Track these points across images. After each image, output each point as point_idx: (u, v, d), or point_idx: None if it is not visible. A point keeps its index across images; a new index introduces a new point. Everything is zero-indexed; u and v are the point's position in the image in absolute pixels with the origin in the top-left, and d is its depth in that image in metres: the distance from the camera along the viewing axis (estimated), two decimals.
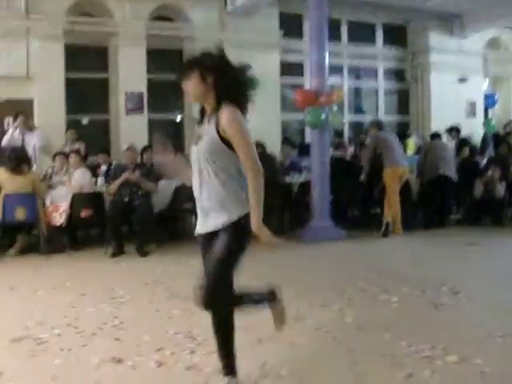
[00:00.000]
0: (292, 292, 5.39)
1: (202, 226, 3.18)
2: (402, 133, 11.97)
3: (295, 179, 9.16)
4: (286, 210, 9.11)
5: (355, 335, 4.25)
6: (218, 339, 3.28)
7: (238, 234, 3.08)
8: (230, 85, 3.10)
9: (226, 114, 2.99)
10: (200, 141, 3.11)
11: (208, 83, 3.09)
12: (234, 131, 2.98)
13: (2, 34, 9.90)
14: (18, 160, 7.65)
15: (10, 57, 10.02)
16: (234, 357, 3.28)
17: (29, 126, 9.51)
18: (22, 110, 9.68)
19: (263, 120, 11.71)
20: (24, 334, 4.38)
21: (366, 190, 8.91)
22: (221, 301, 3.17)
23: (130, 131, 10.66)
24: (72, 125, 10.62)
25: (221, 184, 3.07)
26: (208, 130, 3.08)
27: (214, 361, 3.68)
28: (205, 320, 4.46)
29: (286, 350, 3.95)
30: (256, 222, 3.03)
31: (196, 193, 3.18)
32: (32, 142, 9.41)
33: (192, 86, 3.12)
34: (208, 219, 3.14)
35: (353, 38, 13.67)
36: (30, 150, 9.07)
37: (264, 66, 11.60)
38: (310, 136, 9.12)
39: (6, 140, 9.27)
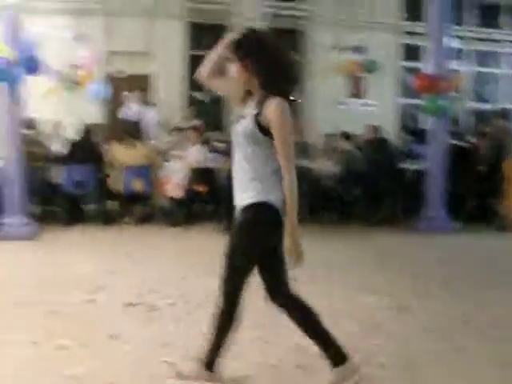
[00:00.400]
0: (396, 281, 5.32)
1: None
2: None
3: (410, 166, 8.92)
4: (399, 197, 8.89)
5: (461, 327, 4.14)
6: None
7: (248, 221, 2.92)
8: (271, 71, 2.86)
9: (273, 106, 2.77)
10: (241, 121, 2.92)
11: (248, 69, 2.87)
12: (278, 126, 2.77)
13: (126, 13, 10.28)
14: (133, 134, 7.99)
15: (134, 34, 10.40)
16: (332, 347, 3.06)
17: (147, 101, 9.85)
18: (141, 85, 10.06)
19: (380, 103, 11.56)
20: (138, 300, 4.58)
21: (484, 182, 8.52)
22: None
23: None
24: (193, 101, 10.89)
25: (249, 169, 2.88)
26: (248, 114, 2.87)
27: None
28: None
29: (389, 339, 3.88)
30: (289, 228, 2.82)
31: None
32: (149, 117, 9.75)
33: (236, 72, 2.93)
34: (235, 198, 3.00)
35: (476, 20, 13.04)
36: (147, 125, 9.42)
37: (383, 48, 11.41)
38: (426, 122, 8.85)
39: (124, 114, 9.65)
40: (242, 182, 2.92)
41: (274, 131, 2.79)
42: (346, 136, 8.70)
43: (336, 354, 3.04)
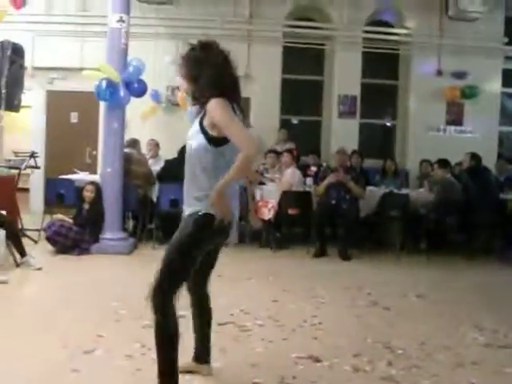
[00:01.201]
0: (500, 317, 5.09)
1: None
2: None
3: (510, 196, 8.57)
4: (498, 228, 8.54)
5: None
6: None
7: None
8: (209, 81, 2.98)
9: (210, 103, 2.88)
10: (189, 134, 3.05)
11: (192, 80, 3.06)
12: (218, 116, 2.86)
13: (225, 37, 10.52)
14: None
15: (233, 58, 10.59)
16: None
17: (245, 124, 9.99)
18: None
19: (479, 130, 11.22)
20: (229, 319, 4.63)
21: None
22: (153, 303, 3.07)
23: (341, 134, 10.77)
24: (284, 124, 10.99)
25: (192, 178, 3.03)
26: (195, 123, 3.03)
27: (413, 376, 3.61)
28: (406, 332, 4.42)
29: (490, 377, 3.70)
30: (218, 186, 2.83)
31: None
32: None
33: (182, 84, 3.15)
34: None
35: None
36: None
37: (484, 73, 11.09)
38: None
39: None
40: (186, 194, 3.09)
41: (218, 121, 2.86)
42: (443, 163, 8.47)
43: None
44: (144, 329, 4.23)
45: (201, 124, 2.96)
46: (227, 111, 2.89)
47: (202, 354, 3.45)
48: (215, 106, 2.87)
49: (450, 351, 4.11)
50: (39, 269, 6.17)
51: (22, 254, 6.21)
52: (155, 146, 9.43)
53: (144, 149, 9.28)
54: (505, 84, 11.66)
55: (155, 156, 9.28)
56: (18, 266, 6.17)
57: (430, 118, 11.17)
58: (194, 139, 2.99)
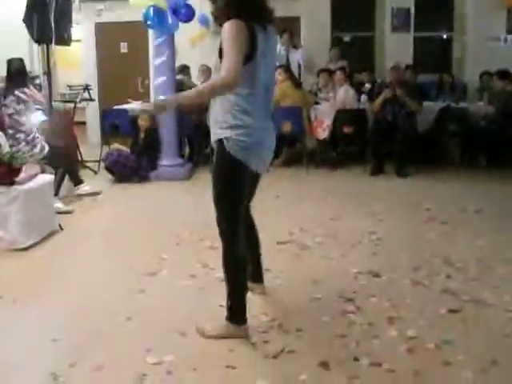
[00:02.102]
0: None
1: None
2: None
3: None
4: None
5: None
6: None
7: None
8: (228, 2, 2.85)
9: (223, 26, 2.77)
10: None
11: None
12: (223, 41, 2.74)
13: None
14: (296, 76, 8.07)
15: None
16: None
17: (293, 44, 9.80)
18: (287, 27, 10.00)
19: None
20: (289, 238, 4.72)
21: None
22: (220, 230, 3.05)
23: (395, 49, 10.44)
24: (336, 42, 10.72)
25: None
26: None
27: (471, 288, 3.61)
28: (465, 246, 4.39)
29: None
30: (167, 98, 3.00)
31: None
32: (296, 59, 9.71)
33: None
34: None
35: None
36: (294, 67, 9.40)
37: None
38: None
39: None
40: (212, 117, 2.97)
41: (222, 44, 2.74)
42: (503, 74, 8.15)
43: (237, 312, 3.01)
44: (206, 250, 4.37)
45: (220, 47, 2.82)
46: (233, 37, 2.72)
47: (256, 274, 3.49)
48: (224, 30, 2.76)
49: (510, 264, 4.08)
50: (97, 193, 6.37)
51: (78, 182, 6.33)
52: (207, 70, 9.37)
53: (195, 74, 9.26)
54: None
55: (207, 81, 9.24)
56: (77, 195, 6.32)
57: (489, 27, 10.65)
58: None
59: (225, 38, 2.73)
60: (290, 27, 9.94)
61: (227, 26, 2.75)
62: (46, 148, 5.82)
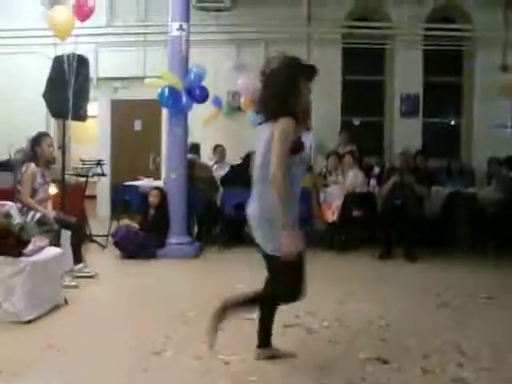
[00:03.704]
0: None
1: None
2: None
3: None
4: None
5: None
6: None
7: None
8: (273, 97, 3.38)
9: (279, 122, 3.29)
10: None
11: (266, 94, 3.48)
12: (275, 137, 3.27)
13: (285, 41, 10.57)
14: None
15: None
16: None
17: (307, 126, 9.98)
18: None
19: None
20: (295, 321, 4.63)
21: None
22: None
23: (404, 134, 10.60)
24: (346, 126, 10.91)
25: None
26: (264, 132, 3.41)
27: (483, 378, 3.52)
28: (476, 334, 4.31)
29: None
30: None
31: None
32: (308, 142, 9.86)
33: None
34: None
35: None
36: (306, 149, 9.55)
37: None
38: None
39: None
40: None
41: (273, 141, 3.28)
42: (511, 161, 8.25)
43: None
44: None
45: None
46: (286, 134, 3.30)
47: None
48: (278, 127, 3.31)
49: None
50: (93, 276, 6.12)
51: (78, 260, 6.10)
52: (222, 151, 9.53)
53: (206, 154, 9.41)
54: None
55: (221, 161, 9.37)
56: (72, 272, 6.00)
57: (496, 114, 10.86)
58: None
59: (276, 134, 3.28)
60: None
61: (283, 124, 3.29)
62: (37, 216, 5.80)
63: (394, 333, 4.42)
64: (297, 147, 3.35)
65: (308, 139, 9.82)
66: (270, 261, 3.56)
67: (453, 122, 11.52)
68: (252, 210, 3.52)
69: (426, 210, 7.66)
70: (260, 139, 3.44)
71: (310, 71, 3.54)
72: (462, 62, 11.40)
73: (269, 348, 3.78)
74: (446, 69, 11.36)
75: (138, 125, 11.37)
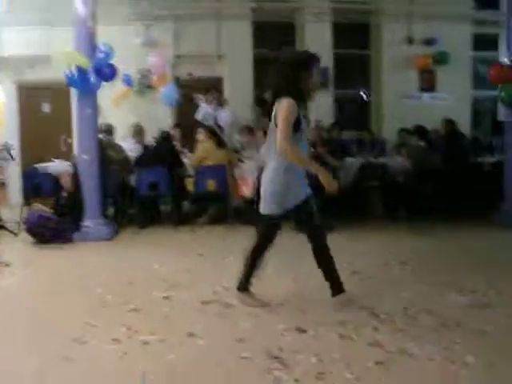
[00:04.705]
0: (480, 277, 5.17)
1: None
2: None
3: (487, 159, 8.68)
4: (476, 191, 8.65)
5: None
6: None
7: None
8: (282, 82, 4.13)
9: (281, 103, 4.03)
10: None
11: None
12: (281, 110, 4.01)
13: (194, 17, 10.47)
14: (220, 135, 8.16)
15: (202, 37, 10.57)
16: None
17: (221, 102, 9.97)
18: (211, 87, 10.20)
19: (452, 96, 11.29)
20: (213, 297, 4.66)
21: None
22: None
23: (317, 107, 10.74)
24: (258, 101, 10.94)
25: None
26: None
27: (398, 339, 3.66)
28: (389, 299, 4.46)
29: (472, 336, 3.77)
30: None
31: None
32: (223, 118, 9.87)
33: None
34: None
35: None
36: (221, 125, 9.57)
37: (454, 39, 11.13)
38: (503, 114, 8.58)
39: (200, 115, 9.81)
40: None
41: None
42: (420, 131, 8.53)
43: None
44: (130, 313, 4.27)
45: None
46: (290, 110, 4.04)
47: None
48: (281, 106, 4.09)
49: (433, 314, 4.17)
50: (7, 265, 5.98)
51: None
52: (140, 130, 9.34)
53: (119, 134, 9.23)
54: (475, 48, 11.73)
55: (141, 140, 9.17)
56: None
57: (404, 86, 11.22)
58: None
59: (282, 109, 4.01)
60: (212, 86, 10.15)
61: (285, 103, 4.00)
62: None
63: (312, 302, 4.51)
64: (298, 125, 4.02)
65: (224, 115, 9.87)
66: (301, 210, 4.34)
67: (364, 97, 11.76)
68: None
69: (340, 182, 7.81)
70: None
71: (312, 60, 4.18)
72: (369, 35, 11.66)
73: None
74: (354, 42, 11.59)
75: (46, 106, 11.01)
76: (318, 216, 4.40)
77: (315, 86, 4.21)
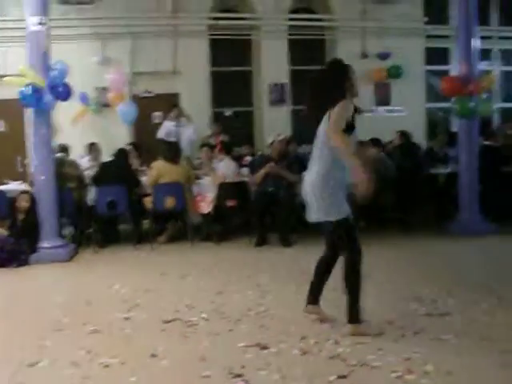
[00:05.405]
0: (438, 286, 5.26)
1: None
2: None
3: (441, 170, 8.85)
4: (431, 202, 8.82)
5: (507, 335, 4.03)
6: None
7: None
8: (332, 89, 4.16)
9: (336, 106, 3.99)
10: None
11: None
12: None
13: (151, 34, 10.47)
14: (177, 152, 8.10)
15: (159, 54, 10.56)
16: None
17: (185, 119, 9.96)
18: (172, 103, 10.19)
19: (407, 109, 11.51)
20: (175, 316, 4.61)
21: None
22: None
23: (274, 122, 10.84)
24: (217, 117, 10.98)
25: None
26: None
27: (359, 352, 3.69)
28: None
29: (431, 345, 3.83)
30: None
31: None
32: (186, 135, 9.87)
33: None
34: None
35: (503, 19, 12.85)
36: (183, 142, 9.56)
37: (407, 53, 11.37)
38: (457, 125, 8.78)
39: (162, 132, 9.78)
40: None
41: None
42: (376, 143, 8.65)
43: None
44: (89, 335, 4.20)
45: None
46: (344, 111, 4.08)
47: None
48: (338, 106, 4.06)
49: (392, 324, 4.23)
50: None
51: None
52: (97, 149, 9.26)
53: (76, 154, 9.13)
54: (428, 62, 12.00)
55: (97, 159, 9.07)
56: None
57: (359, 99, 11.32)
58: None
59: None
60: (170, 103, 10.15)
61: (342, 104, 3.98)
62: None
63: (272, 318, 4.52)
64: (350, 127, 3.98)
65: (187, 132, 9.86)
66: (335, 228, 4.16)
67: None
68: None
69: (299, 196, 7.85)
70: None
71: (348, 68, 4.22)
72: (324, 50, 11.82)
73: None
74: (310, 58, 11.72)
75: (0, 125, 10.81)
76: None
77: (357, 92, 4.26)
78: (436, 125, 12.29)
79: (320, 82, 4.28)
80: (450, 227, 7.96)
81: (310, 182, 4.11)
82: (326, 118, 4.09)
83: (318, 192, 4.02)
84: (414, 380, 3.27)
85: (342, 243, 4.17)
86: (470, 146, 8.00)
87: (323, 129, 4.08)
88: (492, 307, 4.65)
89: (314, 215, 4.15)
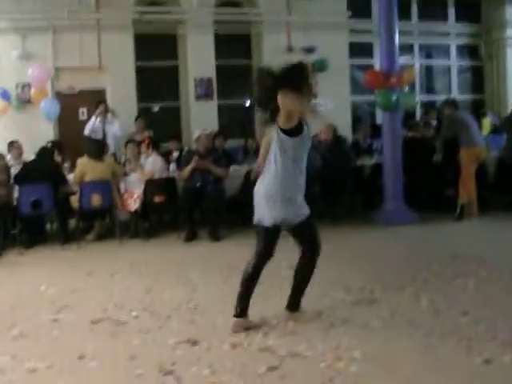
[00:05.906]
0: (365, 275, 5.40)
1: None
2: (477, 112, 11.64)
3: (367, 161, 9.06)
4: (358, 193, 9.03)
5: (431, 319, 4.19)
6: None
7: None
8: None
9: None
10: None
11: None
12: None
13: (74, 28, 10.23)
14: (100, 148, 7.95)
15: (82, 49, 10.34)
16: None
17: (109, 116, 9.78)
18: (96, 99, 9.99)
19: (332, 102, 11.67)
20: (103, 316, 4.56)
21: (439, 171, 8.65)
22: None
23: (200, 117, 10.80)
24: (143, 113, 10.84)
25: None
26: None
27: (289, 343, 3.74)
28: (278, 304, 4.54)
29: (359, 332, 3.94)
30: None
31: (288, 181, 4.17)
32: (112, 131, 9.70)
33: None
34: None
35: (423, 15, 13.27)
36: (109, 139, 9.40)
37: (332, 47, 11.53)
38: (381, 117, 8.98)
39: (88, 129, 9.58)
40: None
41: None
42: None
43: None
44: (14, 339, 4.09)
45: None
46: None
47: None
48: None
49: (322, 314, 4.33)
50: None
51: None
52: (18, 147, 8.93)
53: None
54: (352, 56, 12.23)
55: (19, 158, 8.75)
56: None
57: None
58: None
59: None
60: (96, 99, 9.95)
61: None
62: None
63: (202, 313, 4.53)
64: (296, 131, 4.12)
65: (113, 128, 9.69)
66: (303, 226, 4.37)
67: (247, 104, 11.90)
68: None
69: (227, 190, 7.89)
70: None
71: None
72: (250, 45, 11.86)
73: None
74: (236, 52, 11.74)
75: None
76: None
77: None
78: (360, 118, 12.57)
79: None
80: (375, 217, 8.17)
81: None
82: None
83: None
84: (342, 367, 3.36)
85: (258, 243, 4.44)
86: (394, 138, 8.24)
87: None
88: (416, 292, 4.83)
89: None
